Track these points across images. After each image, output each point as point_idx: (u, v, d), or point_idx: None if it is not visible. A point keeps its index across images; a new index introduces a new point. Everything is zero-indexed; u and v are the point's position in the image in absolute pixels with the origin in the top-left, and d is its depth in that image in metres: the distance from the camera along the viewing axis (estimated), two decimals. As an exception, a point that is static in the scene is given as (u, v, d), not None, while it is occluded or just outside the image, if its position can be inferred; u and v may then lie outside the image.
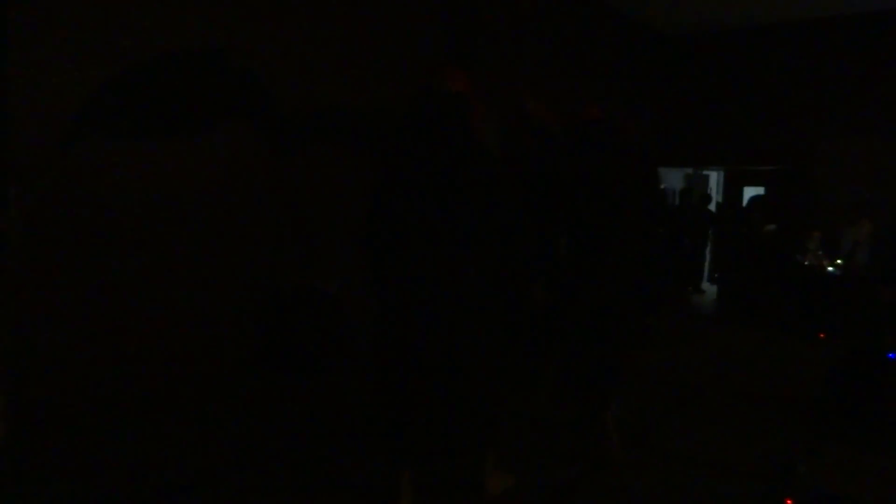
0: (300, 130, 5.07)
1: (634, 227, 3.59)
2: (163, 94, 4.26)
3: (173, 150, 4.32)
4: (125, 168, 4.09)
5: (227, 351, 4.72)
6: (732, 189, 11.67)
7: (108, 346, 4.07)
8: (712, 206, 10.36)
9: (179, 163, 4.36)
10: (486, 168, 2.77)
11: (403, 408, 2.83)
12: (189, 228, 4.45)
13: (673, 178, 10.55)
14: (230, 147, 4.63)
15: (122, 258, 4.11)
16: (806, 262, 7.89)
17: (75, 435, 3.68)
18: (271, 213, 4.93)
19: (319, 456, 3.57)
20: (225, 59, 4.57)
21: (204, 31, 4.45)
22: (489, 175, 2.76)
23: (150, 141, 4.20)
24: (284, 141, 4.98)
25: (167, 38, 4.25)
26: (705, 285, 10.72)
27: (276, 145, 4.93)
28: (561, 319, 3.66)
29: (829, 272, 7.68)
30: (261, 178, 4.85)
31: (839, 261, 7.84)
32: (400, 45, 5.79)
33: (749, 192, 11.19)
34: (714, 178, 11.84)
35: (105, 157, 3.99)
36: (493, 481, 3.16)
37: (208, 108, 4.50)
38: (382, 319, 2.83)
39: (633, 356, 3.74)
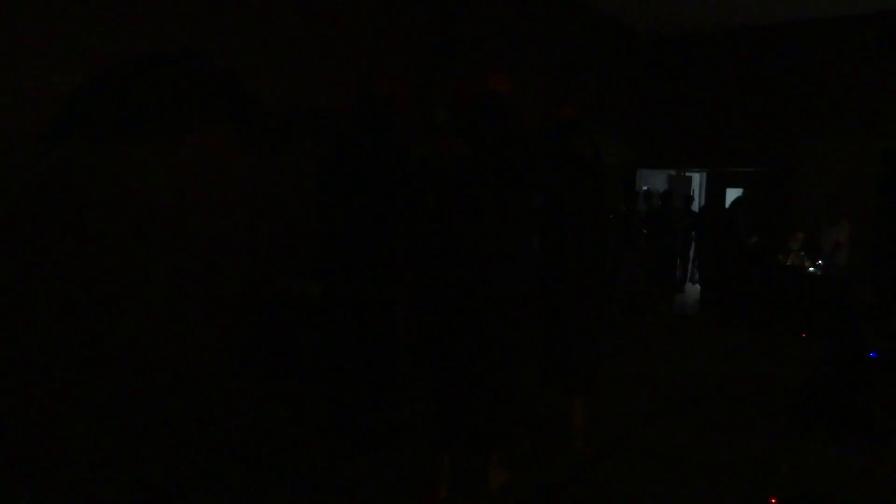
0: (284, 131, 5.03)
1: (599, 225, 3.73)
2: (143, 96, 4.21)
3: (154, 151, 4.26)
4: (105, 170, 4.03)
5: (209, 354, 4.66)
6: (715, 191, 11.75)
7: (87, 349, 4.00)
8: (695, 208, 10.41)
9: (161, 164, 4.31)
10: (404, 169, 2.92)
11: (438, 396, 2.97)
12: (170, 230, 4.39)
13: (656, 180, 10.61)
14: (212, 148, 4.58)
15: (101, 260, 4.05)
16: (788, 263, 7.96)
17: (53, 438, 3.61)
18: (254, 214, 4.89)
19: (306, 459, 3.53)
20: (206, 60, 4.52)
21: (184, 32, 4.40)
22: (406, 175, 2.92)
23: (130, 143, 4.14)
24: (267, 142, 4.94)
25: (147, 39, 4.20)
26: (688, 286, 10.78)
27: (259, 146, 4.88)
28: (532, 308, 3.77)
29: (811, 272, 7.75)
30: (243, 179, 4.80)
31: (820, 261, 7.92)
32: (384, 45, 5.76)
33: (731, 193, 11.28)
34: (696, 180, 11.92)
35: (83, 159, 3.92)
36: (493, 475, 3.17)
37: (189, 109, 4.45)
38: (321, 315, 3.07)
39: (600, 344, 3.84)
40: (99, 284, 4.05)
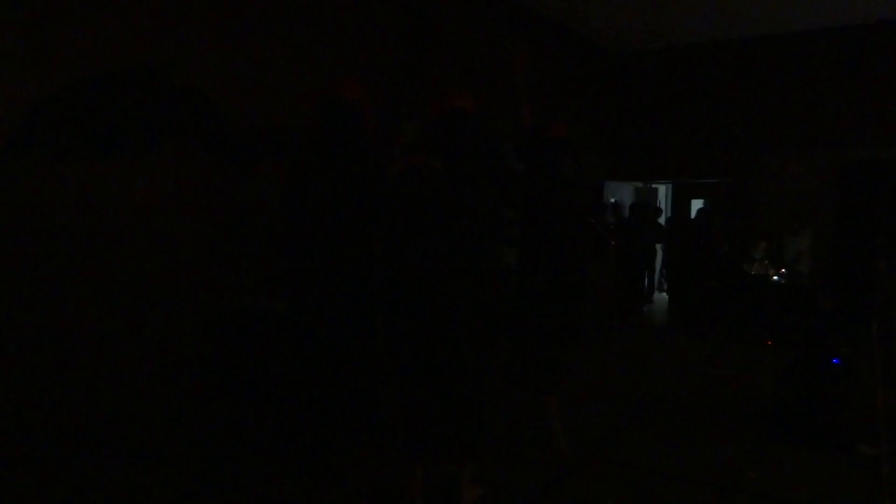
0: (249, 148, 4.99)
1: (571, 237, 3.88)
2: (104, 111, 4.15)
3: (117, 167, 4.20)
4: (67, 187, 3.96)
5: (174, 374, 4.58)
6: (680, 202, 11.95)
7: (43, 366, 3.90)
8: (662, 220, 10.57)
9: (125, 181, 4.25)
10: (374, 174, 2.93)
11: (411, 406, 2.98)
12: (135, 248, 4.32)
13: (623, 192, 10.75)
14: (176, 165, 4.53)
15: (62, 278, 3.96)
16: (752, 272, 8.10)
17: (5, 466, 3.51)
18: (220, 231, 4.83)
19: (271, 482, 3.48)
20: (170, 76, 4.48)
21: (148, 46, 4.35)
22: (377, 181, 2.94)
23: (92, 158, 4.07)
24: (233, 158, 4.90)
25: (110, 53, 4.15)
26: (657, 296, 10.91)
27: (225, 163, 4.84)
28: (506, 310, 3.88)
29: (774, 280, 7.90)
30: (209, 196, 4.75)
31: (783, 269, 8.08)
32: (351, 60, 5.77)
33: (697, 204, 11.48)
34: (663, 192, 12.10)
35: (44, 175, 3.85)
36: (466, 492, 3.15)
37: (153, 125, 4.40)
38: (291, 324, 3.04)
39: (569, 351, 3.94)
40: (56, 300, 3.96)
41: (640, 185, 11.19)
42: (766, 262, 8.19)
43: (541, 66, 8.64)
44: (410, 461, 3.01)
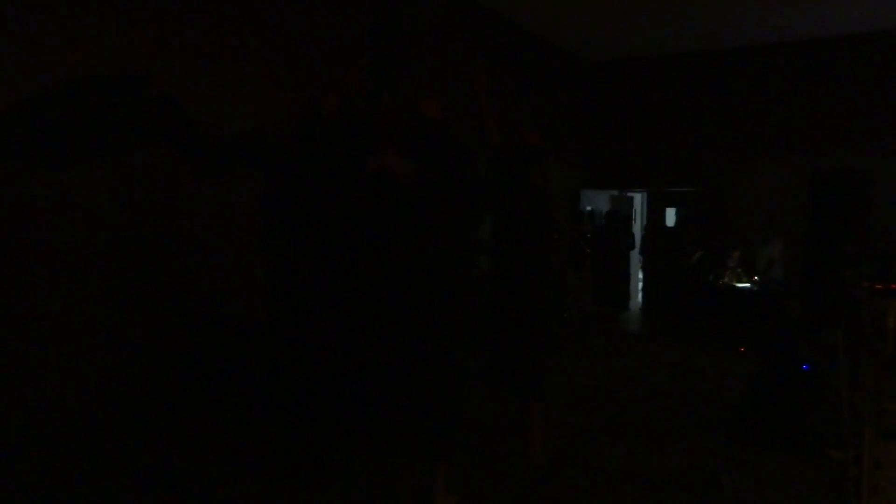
0: (224, 155, 4.96)
1: (543, 242, 3.95)
2: (75, 119, 4.09)
3: (90, 175, 4.15)
4: (42, 193, 3.90)
5: (151, 386, 4.51)
6: (655, 210, 12.07)
7: (14, 381, 3.83)
8: (636, 228, 10.68)
9: (98, 188, 4.19)
10: (354, 184, 3.00)
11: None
12: (108, 257, 4.26)
13: (599, 200, 10.84)
14: (150, 172, 4.48)
15: (34, 286, 3.90)
16: (726, 279, 8.22)
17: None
18: (195, 240, 4.79)
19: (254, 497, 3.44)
20: (143, 83, 4.44)
21: (121, 55, 4.31)
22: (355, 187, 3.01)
23: (65, 166, 4.02)
24: (208, 166, 4.86)
25: (83, 60, 4.10)
26: (632, 303, 10.99)
27: (200, 171, 4.80)
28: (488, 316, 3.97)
29: (746, 288, 8.02)
30: (183, 204, 4.71)
31: (756, 277, 8.20)
32: (326, 69, 5.76)
33: (671, 212, 11.61)
34: (638, 200, 12.22)
35: (14, 181, 3.79)
36: (441, 500, 3.16)
37: (126, 132, 4.35)
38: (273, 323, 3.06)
39: (550, 357, 4.01)
40: (26, 306, 3.89)
41: (615, 193, 11.29)
42: (739, 270, 8.32)
43: (516, 76, 8.71)
44: (390, 459, 3.03)
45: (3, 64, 3.74)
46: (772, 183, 9.37)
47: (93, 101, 4.17)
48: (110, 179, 4.27)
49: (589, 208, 10.34)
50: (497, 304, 3.91)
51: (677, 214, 10.98)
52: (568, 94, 10.21)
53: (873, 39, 8.70)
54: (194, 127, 4.74)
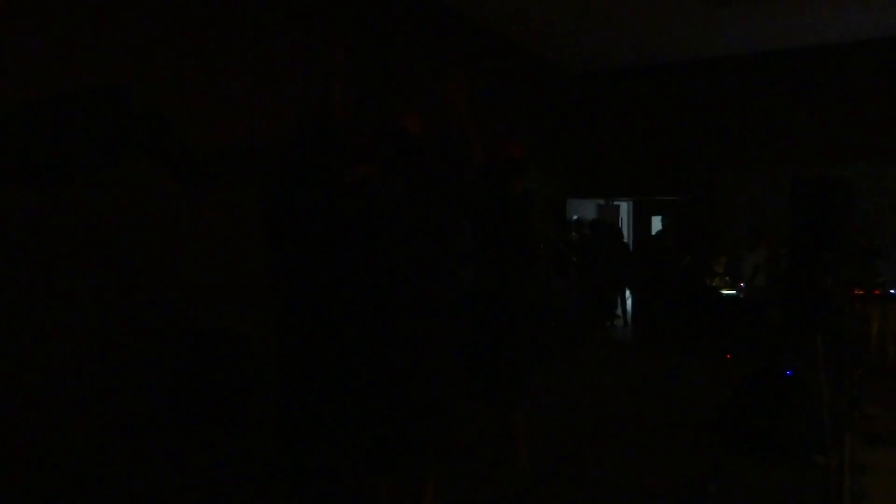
0: (210, 168, 4.95)
1: (526, 251, 4.01)
2: (59, 133, 4.07)
3: (76, 188, 4.13)
4: (24, 206, 3.88)
5: (133, 399, 4.48)
6: (641, 219, 12.16)
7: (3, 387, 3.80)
8: (623, 235, 10.74)
9: (84, 201, 4.17)
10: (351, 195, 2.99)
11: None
12: (93, 269, 4.24)
13: (586, 209, 10.90)
14: (135, 185, 4.47)
15: (24, 293, 3.87)
16: (713, 284, 8.27)
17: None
18: (181, 251, 4.77)
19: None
20: (128, 95, 4.43)
21: (106, 65, 4.31)
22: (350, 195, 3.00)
23: (48, 178, 4.00)
24: (193, 179, 4.84)
25: (66, 73, 4.09)
26: (619, 312, 11.04)
27: (185, 183, 4.79)
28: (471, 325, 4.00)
29: (732, 295, 8.07)
30: (169, 216, 4.69)
31: (742, 284, 8.26)
32: (313, 82, 5.77)
33: (657, 221, 11.70)
34: (624, 209, 12.30)
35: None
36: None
37: (111, 145, 4.33)
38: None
39: (531, 366, 4.03)
40: (19, 319, 3.86)
41: (601, 202, 11.37)
42: (727, 277, 8.38)
43: (503, 87, 8.76)
44: (372, 473, 3.02)
45: (-15, 79, 3.73)
46: (756, 191, 9.47)
47: (75, 114, 4.15)
48: (97, 190, 4.26)
49: (575, 217, 10.39)
50: (478, 314, 3.93)
51: (663, 223, 11.05)
52: (554, 105, 10.28)
53: (856, 50, 8.84)
54: (178, 140, 4.73)
